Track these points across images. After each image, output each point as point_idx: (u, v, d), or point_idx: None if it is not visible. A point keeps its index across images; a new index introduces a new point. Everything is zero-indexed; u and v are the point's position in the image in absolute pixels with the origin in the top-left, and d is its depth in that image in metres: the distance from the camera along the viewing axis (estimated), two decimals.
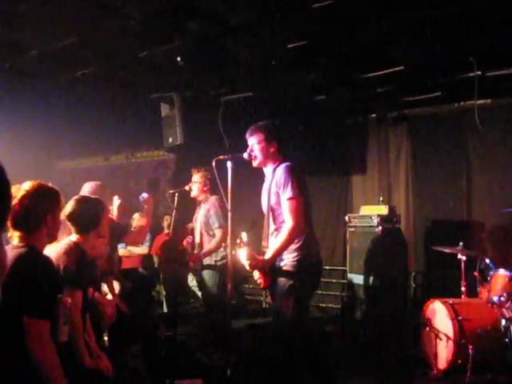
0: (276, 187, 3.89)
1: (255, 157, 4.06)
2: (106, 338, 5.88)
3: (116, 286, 6.31)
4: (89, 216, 3.60)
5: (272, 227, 4.04)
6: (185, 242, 5.50)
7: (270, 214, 4.01)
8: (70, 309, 2.93)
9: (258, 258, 3.82)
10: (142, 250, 8.16)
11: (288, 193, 3.81)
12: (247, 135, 4.11)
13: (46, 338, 2.63)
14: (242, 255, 3.75)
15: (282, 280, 3.85)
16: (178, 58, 5.71)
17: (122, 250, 7.84)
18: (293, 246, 3.85)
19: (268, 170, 4.09)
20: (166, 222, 8.51)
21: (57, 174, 10.83)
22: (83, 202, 3.66)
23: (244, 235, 3.77)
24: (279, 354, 3.83)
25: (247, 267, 3.80)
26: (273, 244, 3.94)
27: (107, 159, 11.12)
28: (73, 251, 3.43)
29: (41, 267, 2.72)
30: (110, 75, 6.46)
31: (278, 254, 3.86)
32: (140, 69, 6.27)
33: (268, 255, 3.86)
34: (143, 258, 8.13)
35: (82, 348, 3.19)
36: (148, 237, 8.29)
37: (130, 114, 7.58)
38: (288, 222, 3.81)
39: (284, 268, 3.87)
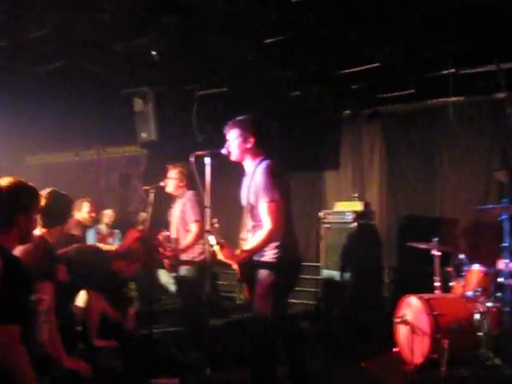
0: (255, 187, 3.86)
1: (232, 152, 4.03)
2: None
3: None
4: (58, 211, 3.52)
5: (250, 223, 4.01)
6: (160, 236, 5.41)
7: (249, 210, 3.98)
8: (49, 307, 2.85)
9: (233, 253, 3.79)
10: (110, 248, 8.06)
11: (268, 196, 3.79)
12: (226, 130, 4.08)
13: (16, 342, 2.52)
14: (212, 240, 3.71)
15: (261, 277, 3.84)
16: (153, 52, 5.62)
17: None
18: (274, 244, 3.83)
19: (248, 165, 4.06)
20: (141, 218, 8.41)
21: (26, 169, 10.59)
22: (54, 196, 3.58)
23: (215, 221, 3.73)
24: (257, 352, 3.80)
25: (219, 256, 3.76)
26: (250, 242, 3.92)
27: (78, 154, 10.92)
28: (42, 245, 3.36)
29: (10, 270, 2.56)
30: (82, 69, 6.31)
31: (253, 253, 3.85)
32: (113, 63, 6.15)
33: (243, 253, 3.83)
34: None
35: (59, 348, 3.11)
36: (118, 235, 8.21)
37: (101, 108, 7.44)
38: (267, 224, 3.79)
39: (264, 264, 3.85)
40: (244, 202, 4.05)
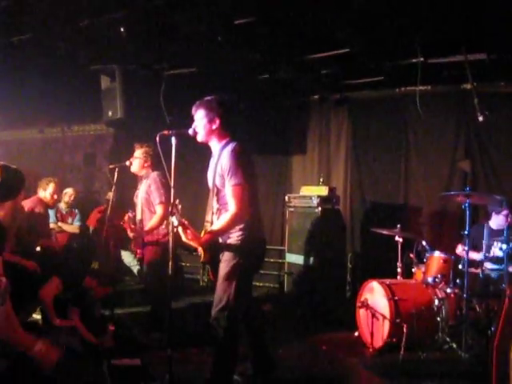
0: (221, 170, 3.84)
1: (198, 132, 3.99)
2: (39, 317, 5.74)
3: None
4: (8, 185, 3.43)
5: (216, 206, 3.99)
6: (126, 217, 5.34)
7: (215, 192, 3.96)
8: (5, 288, 2.78)
9: (196, 235, 3.75)
10: (72, 228, 7.98)
11: (233, 179, 3.75)
12: (193, 110, 4.03)
13: None
14: (175, 221, 3.67)
15: (225, 259, 3.83)
16: (122, 29, 5.52)
17: (52, 224, 7.63)
18: (239, 226, 3.83)
19: (214, 146, 4.02)
20: (107, 198, 8.33)
21: None
22: (4, 170, 3.48)
23: (177, 202, 3.69)
24: (220, 335, 3.80)
25: (183, 237, 3.72)
26: (214, 224, 3.91)
27: (42, 131, 10.73)
28: None
29: None
30: (48, 43, 6.15)
31: (217, 235, 3.84)
32: (81, 38, 6.01)
33: (207, 235, 3.80)
34: (71, 236, 7.92)
35: (18, 330, 3.03)
36: (78, 216, 8.13)
37: (67, 85, 7.30)
38: (231, 208, 3.76)
39: (228, 247, 3.85)
40: (210, 183, 4.03)
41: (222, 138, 3.98)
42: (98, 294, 5.67)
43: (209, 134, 3.97)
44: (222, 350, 3.81)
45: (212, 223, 3.95)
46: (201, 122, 3.96)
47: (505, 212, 5.96)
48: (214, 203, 3.98)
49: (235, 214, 3.74)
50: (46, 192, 6.57)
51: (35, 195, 6.54)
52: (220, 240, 3.89)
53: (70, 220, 8.06)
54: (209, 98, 4.03)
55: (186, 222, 3.67)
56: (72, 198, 8.12)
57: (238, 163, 3.78)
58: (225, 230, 3.81)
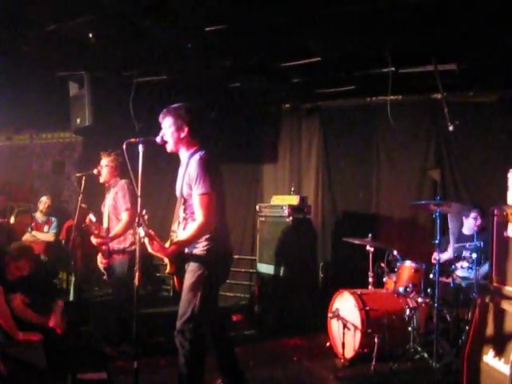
0: (189, 179, 3.77)
1: (166, 141, 3.91)
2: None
3: None
4: None
5: (182, 215, 3.92)
6: (87, 220, 5.22)
7: (182, 201, 3.89)
8: None
9: (162, 246, 3.67)
10: (47, 236, 7.81)
11: (200, 188, 3.69)
12: (160, 118, 3.96)
13: None
14: (141, 232, 3.59)
15: (191, 269, 3.76)
16: (90, 35, 5.41)
17: (27, 234, 7.49)
18: (205, 236, 3.76)
19: (183, 155, 3.95)
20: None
21: None
22: None
23: (144, 213, 3.61)
24: (185, 346, 3.71)
25: (149, 249, 3.64)
26: (181, 235, 3.83)
27: (10, 138, 10.52)
28: None
29: None
30: (15, 47, 6.01)
31: (183, 246, 3.77)
32: (48, 43, 5.88)
33: (173, 246, 3.72)
34: (47, 245, 7.75)
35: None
36: (54, 223, 7.95)
37: (35, 91, 7.14)
38: (198, 217, 3.71)
39: (193, 257, 3.78)
40: (178, 193, 3.96)
41: (191, 147, 3.91)
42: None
43: (177, 142, 3.90)
44: (188, 362, 3.72)
45: (178, 233, 3.87)
46: (168, 131, 3.89)
47: (473, 215, 6.01)
48: (180, 212, 3.90)
49: (202, 224, 3.69)
50: None
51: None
52: (186, 250, 3.81)
53: (46, 228, 7.89)
54: (176, 105, 3.95)
55: (152, 233, 3.60)
56: (47, 206, 7.96)
57: (206, 172, 3.72)
58: (191, 240, 3.75)
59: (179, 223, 3.91)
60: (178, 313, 3.75)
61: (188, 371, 3.72)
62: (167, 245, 3.74)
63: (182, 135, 3.88)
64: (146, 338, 4.95)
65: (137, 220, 3.58)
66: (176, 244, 3.73)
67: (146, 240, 3.59)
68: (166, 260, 3.79)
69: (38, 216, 7.92)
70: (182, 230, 3.85)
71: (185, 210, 3.87)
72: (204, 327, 3.79)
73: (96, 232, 5.30)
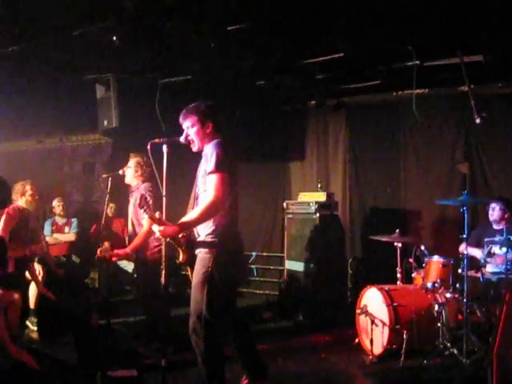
0: (205, 165, 3.77)
1: (192, 141, 3.93)
2: (35, 328, 5.71)
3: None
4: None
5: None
6: (98, 253, 5.24)
7: (195, 198, 3.92)
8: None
9: (167, 223, 3.63)
10: (67, 237, 7.91)
11: (212, 166, 3.66)
12: (180, 119, 3.98)
13: None
14: (155, 228, 3.60)
15: (197, 268, 3.76)
16: (114, 38, 5.49)
17: (47, 237, 7.62)
18: (209, 233, 3.75)
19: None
20: (111, 209, 8.28)
21: None
22: None
23: (157, 214, 3.63)
24: (200, 344, 3.73)
25: (158, 234, 3.62)
26: (189, 215, 3.80)
27: (41, 142, 10.70)
28: None
29: None
30: (43, 53, 6.13)
31: (192, 224, 3.71)
32: (74, 48, 5.98)
33: (180, 225, 3.66)
34: (70, 245, 7.86)
35: (5, 337, 3.01)
36: (74, 223, 8.05)
37: (64, 94, 7.27)
38: (209, 195, 3.65)
39: (199, 255, 3.78)
40: (196, 188, 3.97)
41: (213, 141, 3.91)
42: None
43: (203, 139, 3.91)
44: (206, 360, 3.73)
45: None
46: (193, 129, 3.91)
47: (492, 205, 5.96)
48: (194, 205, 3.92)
49: (212, 202, 3.62)
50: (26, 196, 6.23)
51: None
52: (197, 238, 3.81)
53: (66, 229, 7.99)
54: (194, 104, 3.98)
55: (156, 216, 3.58)
56: (61, 208, 8.04)
57: (219, 153, 3.70)
58: (201, 219, 3.67)
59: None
60: (190, 310, 3.77)
61: (207, 370, 3.73)
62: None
63: (208, 131, 3.90)
64: (176, 336, 4.99)
65: (138, 202, 3.55)
66: (183, 223, 3.67)
67: (155, 227, 3.57)
68: (179, 249, 3.78)
69: (58, 219, 8.00)
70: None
71: (195, 200, 3.88)
72: (216, 324, 3.75)
73: (114, 254, 5.30)
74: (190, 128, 3.92)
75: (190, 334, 3.73)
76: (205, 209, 3.63)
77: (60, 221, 7.99)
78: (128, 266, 7.51)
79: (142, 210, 3.60)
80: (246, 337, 4.13)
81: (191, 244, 3.79)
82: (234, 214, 3.88)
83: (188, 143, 3.95)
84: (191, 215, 3.73)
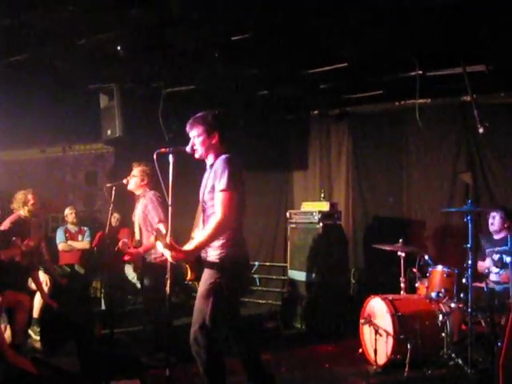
0: (213, 180, 3.78)
1: (197, 150, 3.94)
2: (38, 338, 5.70)
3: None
4: None
5: (202, 225, 3.93)
6: (120, 244, 5.30)
7: (202, 205, 3.91)
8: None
9: (178, 248, 3.64)
10: (82, 244, 7.93)
11: (222, 184, 3.67)
12: (187, 128, 3.98)
13: None
14: (160, 247, 3.60)
15: (204, 277, 3.75)
16: (118, 48, 5.51)
17: (62, 244, 7.66)
18: (217, 243, 3.73)
19: (208, 161, 3.97)
20: (115, 219, 8.28)
21: None
22: None
23: (161, 227, 3.62)
24: (202, 354, 3.71)
25: (169, 258, 3.65)
26: (198, 235, 3.80)
27: (43, 151, 10.72)
28: None
29: None
30: (46, 63, 6.16)
31: (202, 246, 3.71)
32: (78, 57, 6.01)
33: (190, 246, 3.70)
34: (82, 254, 7.87)
35: (4, 344, 2.99)
36: (87, 232, 8.07)
37: (67, 104, 7.29)
38: (217, 213, 3.66)
39: (207, 265, 3.77)
40: (200, 198, 3.97)
41: (220, 153, 3.91)
42: None
43: (208, 149, 3.91)
44: (207, 371, 3.71)
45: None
46: (198, 139, 3.91)
47: (493, 213, 5.95)
48: (201, 221, 3.90)
49: (221, 220, 3.63)
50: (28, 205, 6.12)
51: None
52: (202, 257, 3.80)
53: (80, 237, 8.01)
54: (202, 113, 3.98)
55: (171, 243, 3.58)
56: (74, 216, 8.07)
57: (229, 170, 3.69)
58: (209, 239, 3.68)
59: (199, 231, 3.90)
60: (192, 320, 3.75)
61: (209, 379, 3.72)
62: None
63: (213, 141, 3.90)
64: (180, 346, 4.97)
65: (154, 235, 3.57)
66: (193, 247, 3.68)
67: (166, 252, 3.59)
68: (186, 267, 3.79)
69: (71, 227, 8.03)
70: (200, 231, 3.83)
71: (204, 212, 3.88)
72: (217, 333, 3.74)
73: (129, 251, 5.37)
74: (196, 137, 3.92)
75: (191, 343, 3.71)
76: (214, 229, 3.64)
77: (72, 229, 8.02)
78: (132, 274, 7.51)
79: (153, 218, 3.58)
80: (251, 346, 4.11)
81: (200, 262, 3.78)
82: (240, 224, 3.87)
83: (193, 153, 3.95)
84: (200, 236, 3.73)
